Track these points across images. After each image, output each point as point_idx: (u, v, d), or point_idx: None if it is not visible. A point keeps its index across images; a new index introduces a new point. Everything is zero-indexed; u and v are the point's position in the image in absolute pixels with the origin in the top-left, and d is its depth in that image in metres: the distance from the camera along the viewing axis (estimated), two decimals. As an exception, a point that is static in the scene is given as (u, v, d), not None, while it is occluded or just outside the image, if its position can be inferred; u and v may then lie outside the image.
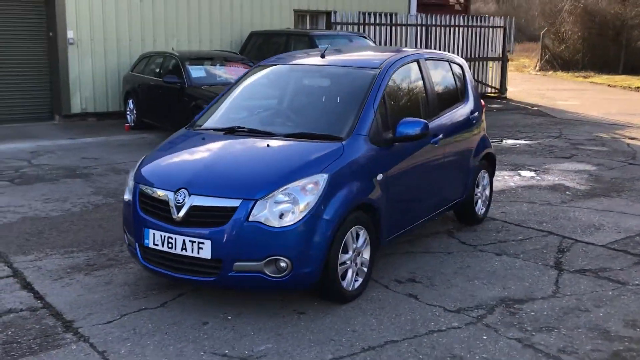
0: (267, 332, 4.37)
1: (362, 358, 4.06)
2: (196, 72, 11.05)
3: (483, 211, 6.90)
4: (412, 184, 5.49)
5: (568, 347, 4.23)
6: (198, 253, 4.44)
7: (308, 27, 16.52)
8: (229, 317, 4.59)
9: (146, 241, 4.68)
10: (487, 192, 6.96)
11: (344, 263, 4.72)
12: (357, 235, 4.84)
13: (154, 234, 4.62)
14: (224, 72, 11.45)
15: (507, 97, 19.61)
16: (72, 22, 13.09)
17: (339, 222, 4.56)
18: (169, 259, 4.59)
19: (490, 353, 4.14)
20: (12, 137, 11.64)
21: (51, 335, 4.30)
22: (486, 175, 6.89)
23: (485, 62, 19.20)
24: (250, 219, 4.37)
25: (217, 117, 5.58)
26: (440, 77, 6.34)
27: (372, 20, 16.72)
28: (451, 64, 6.56)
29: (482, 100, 7.01)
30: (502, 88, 19.68)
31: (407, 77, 5.81)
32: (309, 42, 12.87)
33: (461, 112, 6.38)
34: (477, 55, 18.82)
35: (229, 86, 6.06)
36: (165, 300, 4.86)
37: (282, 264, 4.40)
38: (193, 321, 4.52)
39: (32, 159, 9.90)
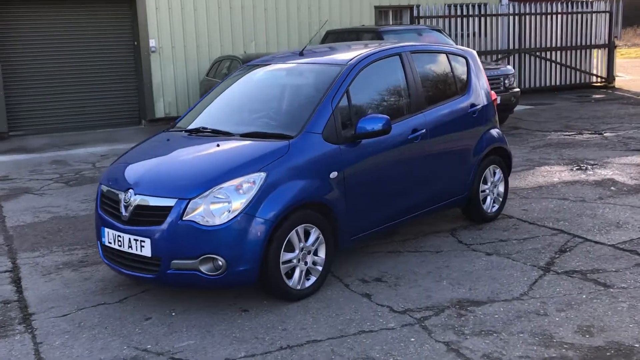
0: (199, 329, 4.46)
1: (274, 356, 4.05)
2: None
3: (495, 209, 6.60)
4: (383, 182, 5.37)
5: (495, 352, 4.01)
6: (141, 251, 4.61)
7: (391, 22, 16.36)
8: (173, 314, 4.72)
9: (103, 239, 4.91)
10: (501, 188, 6.65)
11: (289, 262, 4.71)
12: (308, 234, 4.81)
13: (108, 232, 4.85)
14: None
15: (615, 87, 18.42)
16: (153, 32, 13.76)
17: (278, 220, 4.57)
18: (120, 256, 4.80)
19: (408, 356, 4.01)
20: (94, 142, 12.44)
21: (6, 326, 4.62)
22: (498, 171, 6.59)
23: (589, 51, 18.14)
24: (184, 218, 4.47)
25: (192, 118, 5.74)
26: (432, 71, 6.15)
27: (459, 12, 16.29)
28: (450, 56, 6.33)
29: (493, 93, 6.69)
30: (610, 77, 18.51)
31: (382, 72, 5.68)
32: (376, 38, 12.78)
33: (458, 106, 6.15)
34: (579, 44, 17.83)
35: (213, 87, 6.19)
36: (127, 295, 5.06)
37: (217, 263, 4.47)
38: (138, 317, 4.69)
39: (98, 162, 10.54)
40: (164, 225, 4.51)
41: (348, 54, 5.60)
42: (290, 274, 4.76)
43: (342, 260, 5.60)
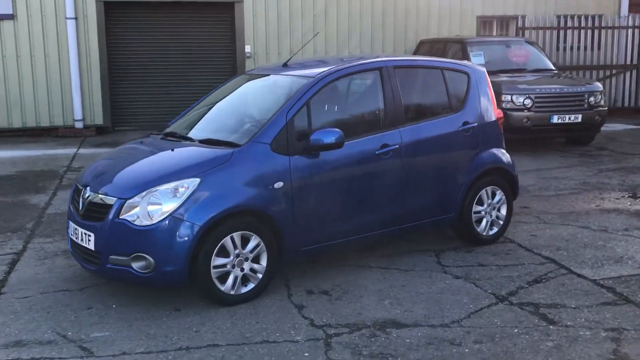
0: (123, 322, 4.74)
1: (167, 355, 4.24)
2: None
3: (494, 232, 6.37)
4: (342, 196, 5.38)
5: (374, 376, 3.96)
6: (88, 244, 4.97)
7: (495, 33, 15.92)
8: (114, 306, 5.04)
9: (69, 231, 5.34)
10: (502, 211, 6.40)
11: (222, 266, 4.88)
12: (247, 241, 4.95)
13: (71, 225, 5.27)
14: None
15: None
16: (249, 37, 14.31)
17: (208, 225, 4.75)
18: (78, 247, 5.19)
19: (287, 370, 4.05)
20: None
21: (-28, 302, 5.15)
22: (499, 193, 6.36)
23: None
24: (120, 216, 4.78)
25: (176, 123, 6.05)
26: (419, 87, 6.05)
27: (571, 24, 15.55)
28: (446, 72, 6.18)
29: (498, 112, 6.46)
30: None
31: (355, 87, 5.69)
32: (461, 49, 12.57)
33: (446, 123, 6.01)
34: None
35: (207, 94, 6.47)
36: (89, 285, 5.45)
37: (146, 262, 4.74)
38: (83, 305, 5.06)
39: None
40: (105, 222, 4.84)
41: (322, 68, 5.65)
42: (224, 279, 4.91)
43: (306, 270, 5.68)
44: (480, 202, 6.26)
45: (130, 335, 4.54)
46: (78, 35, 13.34)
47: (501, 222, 6.42)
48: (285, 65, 6.06)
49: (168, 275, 4.75)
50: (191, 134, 5.57)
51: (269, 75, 6.03)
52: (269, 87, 5.83)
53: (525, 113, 10.94)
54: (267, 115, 5.26)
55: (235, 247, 4.91)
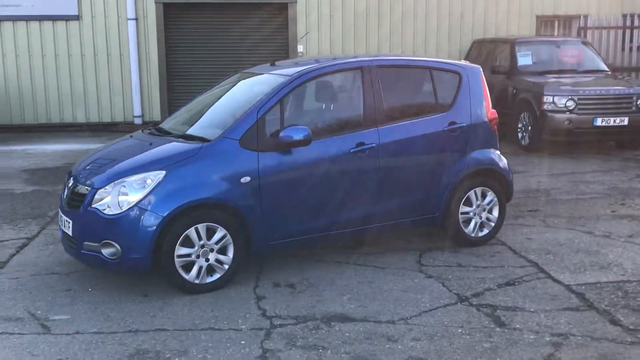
0: (90, 305, 5.05)
1: (115, 337, 4.50)
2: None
3: (484, 234, 6.34)
4: (314, 192, 5.50)
5: (295, 366, 4.10)
6: (68, 231, 5.33)
7: (556, 33, 15.51)
8: (90, 289, 5.37)
9: (60, 219, 5.72)
10: (495, 213, 6.35)
11: (187, 256, 5.11)
12: (213, 233, 5.17)
13: (60, 213, 5.64)
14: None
15: None
16: (302, 39, 14.55)
17: (171, 216, 5.00)
18: (64, 234, 5.56)
19: (220, 355, 4.23)
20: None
21: (-32, 280, 5.61)
22: (490, 194, 6.31)
23: None
24: (92, 205, 5.11)
25: (170, 119, 6.34)
26: (404, 86, 6.09)
27: (638, 23, 14.98)
28: (434, 71, 6.19)
29: (492, 113, 6.40)
30: None
31: (333, 86, 5.80)
32: (509, 49, 12.39)
33: (430, 123, 6.03)
34: None
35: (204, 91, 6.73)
36: (76, 270, 5.80)
37: (114, 249, 5.04)
38: (63, 287, 5.41)
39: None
40: (80, 210, 5.18)
41: (301, 68, 5.79)
42: (189, 268, 5.14)
43: (284, 263, 5.85)
44: (469, 203, 6.22)
45: (92, 317, 4.83)
46: (138, 35, 13.95)
47: (492, 224, 6.36)
48: (273, 64, 6.22)
49: (133, 263, 5.03)
50: (175, 130, 5.82)
51: (261, 74, 6.21)
52: (253, 85, 6.01)
53: (567, 115, 10.66)
54: (237, 113, 5.45)
55: (200, 238, 5.12)
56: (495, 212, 6.36)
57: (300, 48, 14.57)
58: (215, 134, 5.38)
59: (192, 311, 4.91)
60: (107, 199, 5.06)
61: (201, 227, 5.12)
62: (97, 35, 13.96)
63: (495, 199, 6.34)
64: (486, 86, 6.43)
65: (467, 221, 6.25)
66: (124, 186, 5.05)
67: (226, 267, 5.26)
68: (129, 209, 4.98)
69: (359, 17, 14.57)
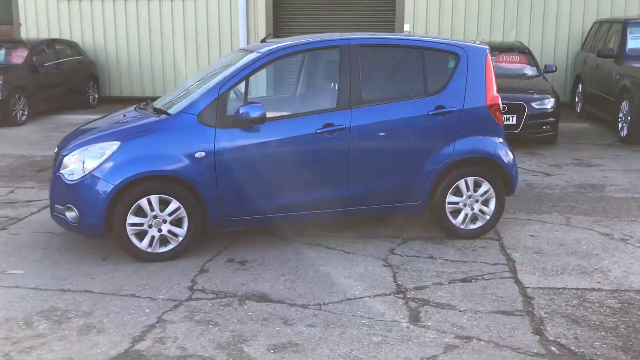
0: (50, 263, 5.42)
1: (51, 293, 4.82)
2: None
3: (476, 226, 5.97)
4: (273, 171, 5.46)
5: (182, 336, 4.18)
6: (48, 195, 5.77)
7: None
8: (63, 249, 5.77)
9: (52, 185, 6.16)
10: (490, 206, 5.96)
11: (139, 225, 5.35)
12: (167, 204, 5.37)
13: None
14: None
15: None
16: (409, 17, 14.30)
17: (122, 185, 5.23)
18: (52, 198, 6.00)
19: (125, 321, 4.38)
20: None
21: (-24, 233, 6.25)
22: (484, 184, 5.92)
23: None
24: (59, 171, 5.48)
25: (166, 94, 6.55)
26: (389, 67, 5.85)
27: None
28: (427, 52, 5.87)
29: (493, 98, 5.97)
30: None
31: (309, 64, 5.74)
32: (621, 29, 11.43)
33: (414, 106, 5.75)
34: None
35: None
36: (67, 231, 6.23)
37: (74, 213, 5.39)
38: (42, 246, 5.84)
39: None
40: (53, 176, 5.57)
41: (273, 46, 5.75)
42: (143, 237, 5.37)
43: (252, 241, 5.91)
44: (459, 193, 5.88)
45: (41, 274, 5.20)
46: (248, 13, 14.38)
47: (487, 217, 5.96)
48: (264, 41, 6.22)
49: (89, 227, 5.33)
50: (158, 105, 6.01)
51: (251, 52, 6.23)
52: (233, 62, 6.04)
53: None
54: (204, 89, 5.54)
55: (152, 209, 5.30)
56: (492, 205, 5.95)
57: (406, 27, 14.30)
58: (176, 108, 5.50)
59: (130, 277, 5.12)
60: (71, 166, 5.37)
61: (154, 198, 5.29)
62: (210, 12, 14.56)
63: (492, 190, 5.93)
64: (491, 69, 5.99)
65: (456, 212, 5.91)
66: (85, 155, 5.33)
67: (180, 239, 5.40)
68: (84, 175, 5.27)
69: (470, -4, 14.02)
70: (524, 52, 11.52)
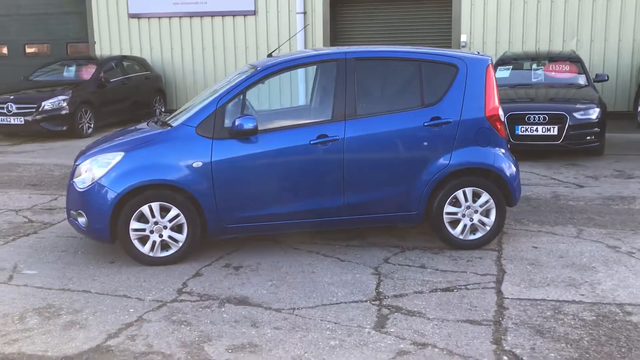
0: (63, 264, 5.83)
1: (54, 292, 5.21)
2: (498, 73, 11.09)
3: (477, 237, 5.99)
4: (268, 180, 5.67)
5: (153, 333, 4.46)
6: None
7: None
8: (79, 252, 6.19)
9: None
10: (490, 217, 5.97)
11: (141, 230, 5.70)
12: (168, 211, 5.70)
13: (76, 186, 6.55)
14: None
15: None
16: (466, 27, 14.26)
17: (125, 193, 5.60)
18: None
19: (109, 318, 4.76)
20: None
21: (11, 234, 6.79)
22: (484, 195, 5.92)
23: None
24: (72, 179, 5.93)
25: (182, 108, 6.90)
26: (385, 79, 5.97)
27: None
28: (424, 64, 5.95)
29: (493, 109, 5.99)
30: None
31: (301, 78, 5.93)
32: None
33: (410, 118, 5.85)
34: None
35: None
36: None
37: (84, 218, 5.81)
38: (61, 248, 6.28)
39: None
40: (68, 184, 6.02)
41: (274, 60, 5.99)
42: (145, 241, 5.72)
43: (254, 247, 6.15)
44: (457, 204, 5.93)
45: (51, 274, 5.61)
46: (305, 28, 14.73)
47: (487, 228, 5.97)
48: (270, 56, 6.47)
49: (96, 232, 5.72)
50: (168, 118, 6.35)
51: (256, 67, 6.49)
52: (237, 76, 6.32)
53: None
54: (206, 102, 5.84)
55: (153, 215, 5.64)
56: (492, 216, 5.96)
57: (463, 37, 14.26)
58: (178, 121, 5.83)
59: (129, 279, 5.46)
60: (83, 175, 5.79)
61: (155, 205, 5.62)
62: (270, 28, 15.00)
63: (492, 201, 5.93)
64: (492, 80, 6.01)
65: (455, 222, 5.95)
66: (94, 164, 5.73)
67: (180, 244, 5.70)
68: (92, 183, 5.66)
69: (529, 4, 13.85)
70: (574, 61, 11.27)
